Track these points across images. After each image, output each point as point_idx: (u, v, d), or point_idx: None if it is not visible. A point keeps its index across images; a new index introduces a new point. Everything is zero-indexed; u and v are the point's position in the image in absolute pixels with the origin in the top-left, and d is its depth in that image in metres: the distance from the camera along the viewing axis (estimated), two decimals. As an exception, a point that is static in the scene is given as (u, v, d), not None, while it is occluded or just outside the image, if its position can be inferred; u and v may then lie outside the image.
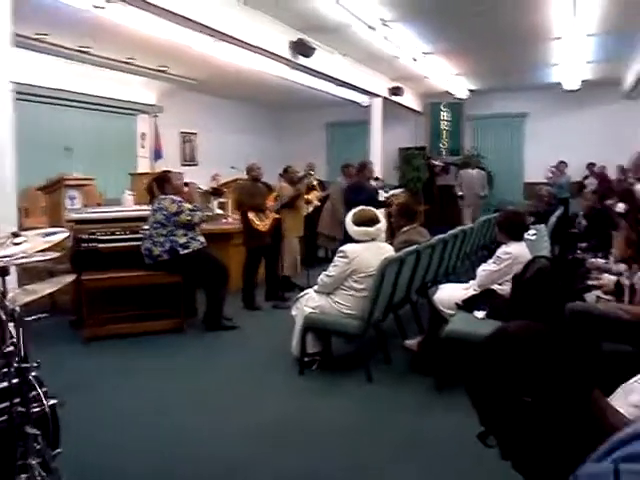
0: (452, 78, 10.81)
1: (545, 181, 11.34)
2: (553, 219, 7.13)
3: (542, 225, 6.58)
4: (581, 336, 3.34)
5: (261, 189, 6.51)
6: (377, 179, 8.67)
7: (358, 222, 4.27)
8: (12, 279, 3.26)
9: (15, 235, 2.48)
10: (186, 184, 5.70)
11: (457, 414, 3.20)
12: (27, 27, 6.42)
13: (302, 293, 4.53)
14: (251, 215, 6.28)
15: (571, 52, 8.41)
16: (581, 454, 0.91)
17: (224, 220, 7.95)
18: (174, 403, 3.77)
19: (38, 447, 2.17)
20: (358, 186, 7.23)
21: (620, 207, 6.16)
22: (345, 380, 4.12)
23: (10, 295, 2.36)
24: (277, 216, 6.51)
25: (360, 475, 2.87)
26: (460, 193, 11.18)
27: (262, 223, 6.31)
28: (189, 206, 5.24)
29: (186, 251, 5.20)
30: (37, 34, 6.80)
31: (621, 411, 1.02)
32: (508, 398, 1.00)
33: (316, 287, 4.35)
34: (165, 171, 5.77)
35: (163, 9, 5.01)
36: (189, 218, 5.19)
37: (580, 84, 10.73)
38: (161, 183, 5.39)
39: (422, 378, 4.05)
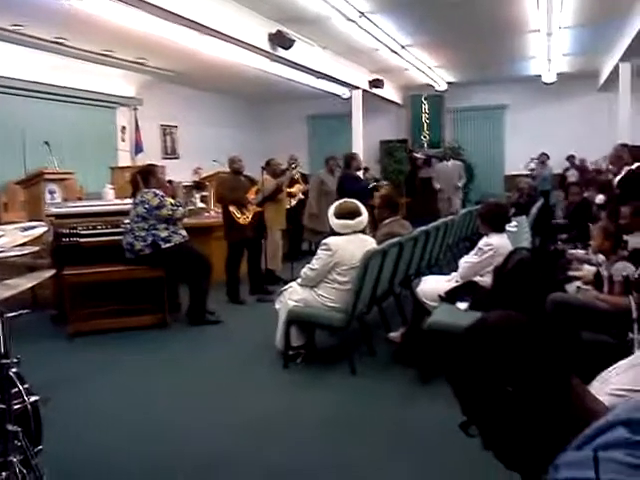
0: (432, 70, 10.84)
1: (526, 173, 11.44)
2: (534, 211, 7.20)
3: (523, 217, 6.64)
4: (561, 326, 3.39)
5: (243, 182, 6.48)
6: (367, 170, 8.70)
7: (338, 215, 4.27)
8: (-10, 275, 3.21)
9: (-7, 230, 2.45)
10: (170, 182, 5.65)
11: (441, 405, 3.22)
12: (3, 18, 6.32)
13: (286, 286, 4.53)
14: (232, 208, 6.25)
15: (548, 45, 8.48)
16: (561, 442, 0.92)
17: (206, 214, 7.92)
18: (158, 399, 3.75)
19: (19, 444, 2.15)
20: (352, 177, 7.24)
21: (600, 198, 6.24)
22: (329, 373, 4.13)
23: (-11, 291, 2.33)
24: (259, 209, 6.48)
25: (344, 468, 2.87)
26: (438, 186, 10.98)
27: (243, 216, 6.28)
28: (171, 201, 5.21)
29: (168, 245, 5.17)
30: (13, 25, 6.69)
31: (600, 399, 1.04)
32: (488, 388, 1.00)
33: (299, 280, 4.35)
34: (150, 164, 5.72)
35: (140, 0, 4.95)
36: (170, 213, 5.16)
37: (557, 77, 10.83)
38: (146, 176, 5.34)
39: (406, 370, 4.07)
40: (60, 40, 7.40)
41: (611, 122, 9.80)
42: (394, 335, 4.58)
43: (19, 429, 2.15)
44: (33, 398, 2.38)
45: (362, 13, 6.88)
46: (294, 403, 3.66)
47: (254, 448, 3.06)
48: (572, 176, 11.14)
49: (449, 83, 12.09)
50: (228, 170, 6.67)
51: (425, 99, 13.04)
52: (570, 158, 11.82)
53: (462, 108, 13.03)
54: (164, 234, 5.16)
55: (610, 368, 2.37)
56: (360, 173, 8.24)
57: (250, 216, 6.33)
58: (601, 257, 4.11)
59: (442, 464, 2.87)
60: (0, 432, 2.10)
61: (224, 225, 6.42)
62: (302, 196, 8.25)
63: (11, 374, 2.28)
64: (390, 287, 4.89)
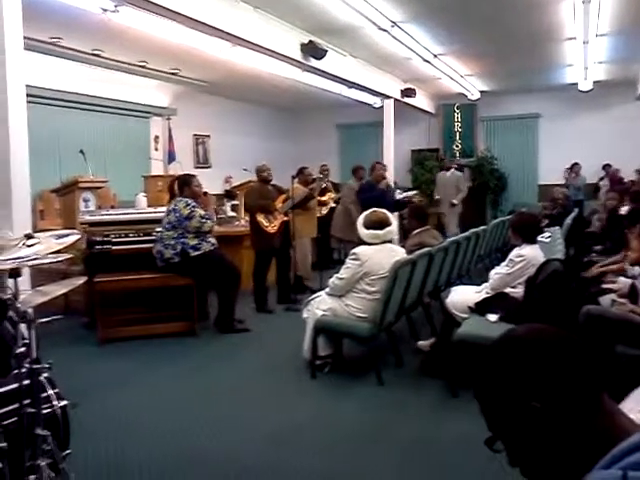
0: (464, 79, 10.76)
1: (560, 182, 11.26)
2: (568, 221, 7.07)
3: (556, 227, 6.52)
4: (595, 340, 3.30)
5: (270, 191, 6.51)
6: (383, 178, 8.42)
7: (368, 225, 4.26)
8: (25, 280, 3.28)
9: (28, 237, 2.50)
10: (205, 193, 5.70)
11: (469, 418, 3.17)
12: (42, 31, 6.49)
13: (313, 296, 4.52)
14: (260, 217, 6.31)
15: (584, 52, 8.35)
16: (590, 460, 0.90)
17: (236, 222, 7.99)
18: (185, 406, 3.77)
19: (48, 448, 2.18)
20: (368, 186, 7.21)
21: (623, 209, 6.14)
22: (357, 383, 4.11)
23: (23, 296, 2.38)
24: (286, 218, 6.48)
25: (370, 478, 2.85)
26: (437, 197, 10.53)
27: (270, 225, 6.31)
28: (201, 212, 5.24)
29: (197, 253, 5.21)
30: (52, 38, 6.87)
31: (631, 417, 1.00)
32: (516, 403, 0.99)
33: (328, 290, 4.35)
34: (189, 174, 5.78)
35: (174, 12, 5.02)
36: (199, 225, 5.20)
37: (593, 85, 10.66)
38: (181, 185, 5.40)
39: (434, 381, 4.02)
40: (97, 52, 7.58)
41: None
42: (423, 344, 4.53)
43: (48, 433, 2.19)
44: (62, 403, 2.42)
45: (394, 23, 6.87)
46: (321, 413, 3.65)
47: (280, 457, 3.05)
48: (605, 186, 10.93)
49: (482, 92, 11.99)
50: (256, 179, 6.72)
51: (457, 108, 12.96)
52: (606, 167, 11.59)
53: (495, 117, 12.90)
54: (193, 242, 5.21)
55: (645, 384, 2.30)
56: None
57: (278, 224, 6.36)
58: (637, 269, 4.00)
59: (468, 478, 2.81)
60: (29, 436, 2.14)
61: (251, 234, 6.47)
62: (334, 204, 8.24)
63: (42, 379, 2.32)
64: (419, 297, 4.85)
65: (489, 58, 9.24)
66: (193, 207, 5.23)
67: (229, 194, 8.37)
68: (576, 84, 10.76)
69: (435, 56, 8.75)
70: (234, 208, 8.74)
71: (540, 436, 0.97)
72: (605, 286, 4.24)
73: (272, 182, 6.60)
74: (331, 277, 4.38)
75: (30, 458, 2.12)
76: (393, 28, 7.00)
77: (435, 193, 10.73)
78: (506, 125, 12.94)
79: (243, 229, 7.25)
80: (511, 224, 4.39)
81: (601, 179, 11.54)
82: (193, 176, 5.61)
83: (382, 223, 4.27)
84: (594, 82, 10.58)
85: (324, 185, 7.93)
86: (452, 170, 10.44)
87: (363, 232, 4.27)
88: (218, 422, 3.50)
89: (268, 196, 6.43)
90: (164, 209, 5.49)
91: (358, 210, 7.38)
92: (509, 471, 1.07)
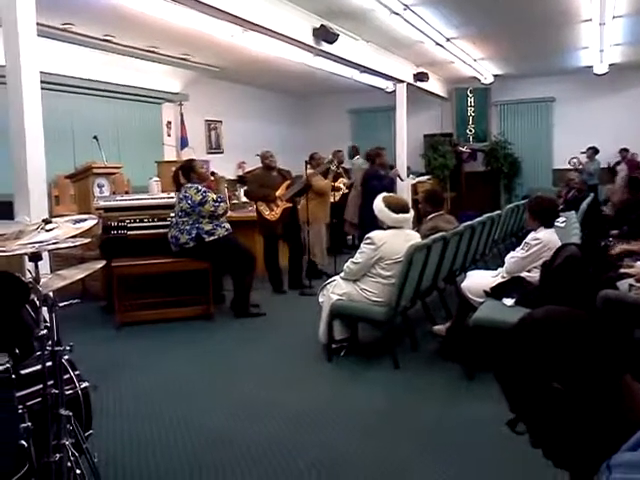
0: (478, 63, 10.65)
1: (570, 168, 11.15)
2: (584, 206, 7.01)
3: (572, 212, 6.47)
4: (613, 324, 3.29)
5: (274, 178, 6.46)
6: (392, 167, 8.24)
7: (396, 209, 4.21)
8: (45, 265, 3.31)
9: (46, 222, 2.51)
10: (213, 174, 5.71)
11: (485, 402, 3.19)
12: (53, 17, 6.48)
13: (329, 280, 4.53)
14: (260, 206, 6.34)
15: (600, 35, 8.22)
16: (614, 442, 0.89)
17: (250, 208, 7.99)
18: (204, 388, 3.81)
19: (71, 428, 2.22)
20: (375, 173, 7.11)
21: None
22: (373, 367, 4.12)
23: (43, 280, 2.40)
24: (289, 205, 6.41)
25: (387, 462, 2.86)
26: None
27: (271, 213, 6.31)
28: (213, 196, 5.24)
29: (212, 238, 5.23)
30: (63, 24, 6.87)
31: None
32: (537, 385, 0.99)
33: (343, 274, 4.35)
34: (190, 159, 5.80)
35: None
36: (212, 209, 5.21)
37: (608, 68, 10.50)
38: (186, 171, 5.41)
39: (450, 365, 4.03)
40: (108, 38, 7.57)
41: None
42: (438, 328, 4.54)
43: (70, 413, 2.22)
44: (84, 384, 2.45)
45: (406, 6, 6.79)
46: (337, 396, 3.67)
47: (296, 440, 3.07)
48: (622, 170, 10.80)
49: (495, 76, 11.87)
50: (260, 166, 6.69)
51: (471, 92, 12.85)
52: (623, 151, 11.44)
53: (509, 101, 12.79)
54: (208, 227, 5.23)
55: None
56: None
57: (279, 212, 6.34)
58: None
59: (484, 461, 2.82)
60: (53, 416, 2.17)
61: (257, 221, 6.51)
62: (347, 190, 8.21)
63: (64, 361, 2.35)
64: (434, 282, 4.84)
65: (503, 41, 9.13)
66: (204, 192, 5.24)
67: (242, 179, 8.37)
68: (591, 67, 10.61)
69: (448, 40, 8.66)
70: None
71: (562, 417, 0.97)
72: (623, 271, 4.20)
73: (278, 168, 6.56)
74: (346, 262, 4.38)
75: (54, 438, 2.16)
76: (405, 11, 6.92)
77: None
78: (520, 109, 12.82)
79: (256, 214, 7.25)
80: (529, 207, 4.34)
81: (618, 163, 11.40)
82: (194, 160, 5.63)
83: (406, 207, 4.27)
84: (610, 65, 10.42)
85: (338, 170, 7.88)
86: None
87: (391, 216, 4.22)
88: (235, 404, 3.53)
89: (270, 183, 6.40)
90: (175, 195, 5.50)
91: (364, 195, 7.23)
92: (529, 452, 1.07)
